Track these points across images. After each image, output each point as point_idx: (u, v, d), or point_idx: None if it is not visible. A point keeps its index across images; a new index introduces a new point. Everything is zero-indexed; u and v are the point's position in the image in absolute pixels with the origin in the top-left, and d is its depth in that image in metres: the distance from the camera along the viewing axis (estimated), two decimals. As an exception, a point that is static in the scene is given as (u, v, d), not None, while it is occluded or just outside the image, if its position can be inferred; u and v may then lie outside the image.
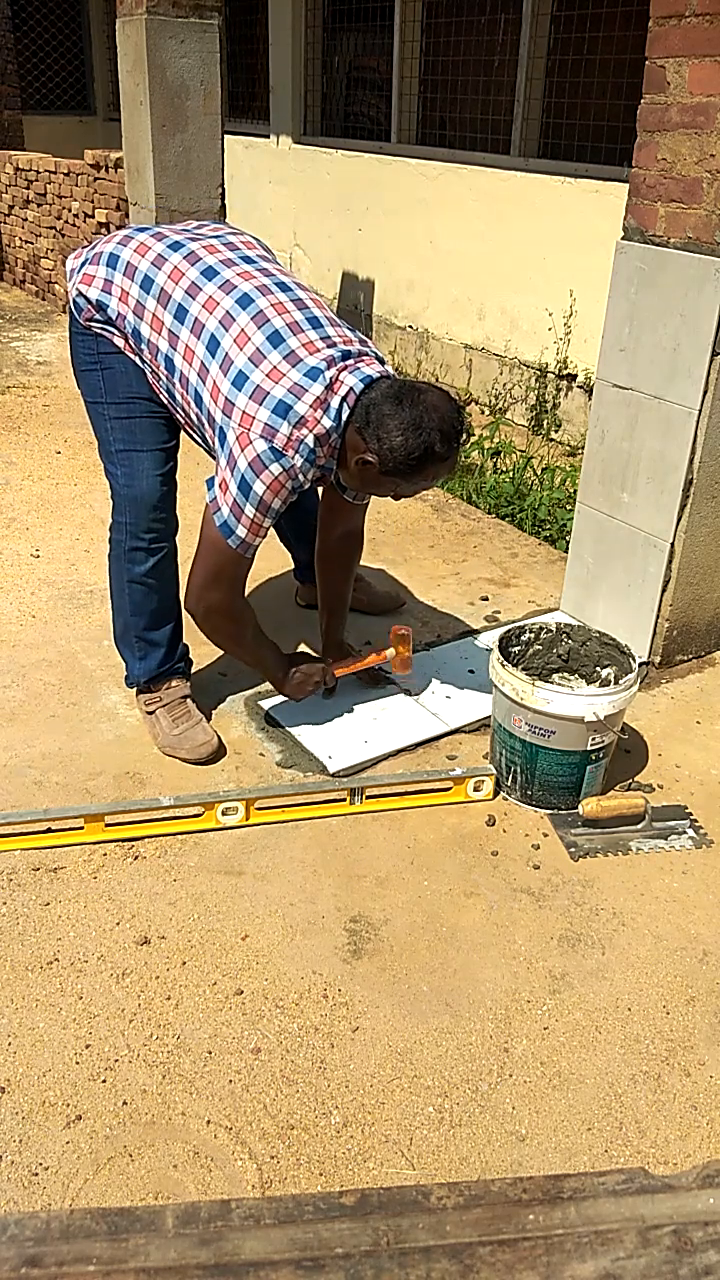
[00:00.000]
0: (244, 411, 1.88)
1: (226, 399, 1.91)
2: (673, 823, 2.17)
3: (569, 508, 3.59)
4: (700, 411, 2.38)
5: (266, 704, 2.49)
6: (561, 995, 1.75)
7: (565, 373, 4.58)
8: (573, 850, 2.09)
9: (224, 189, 4.73)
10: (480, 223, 4.97)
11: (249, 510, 1.93)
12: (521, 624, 2.35)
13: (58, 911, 1.88)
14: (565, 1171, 1.45)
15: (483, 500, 3.83)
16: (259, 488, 1.90)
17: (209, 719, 2.40)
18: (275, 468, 1.89)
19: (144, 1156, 1.46)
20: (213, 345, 1.94)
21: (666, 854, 2.09)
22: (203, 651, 2.53)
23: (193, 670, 2.48)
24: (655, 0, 2.27)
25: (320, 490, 2.36)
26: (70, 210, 6.03)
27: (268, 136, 6.65)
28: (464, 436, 1.96)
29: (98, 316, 2.07)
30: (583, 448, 3.16)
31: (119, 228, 5.35)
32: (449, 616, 2.97)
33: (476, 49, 5.20)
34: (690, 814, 2.20)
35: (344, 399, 1.91)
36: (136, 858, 2.01)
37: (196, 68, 4.40)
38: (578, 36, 4.59)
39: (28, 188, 6.66)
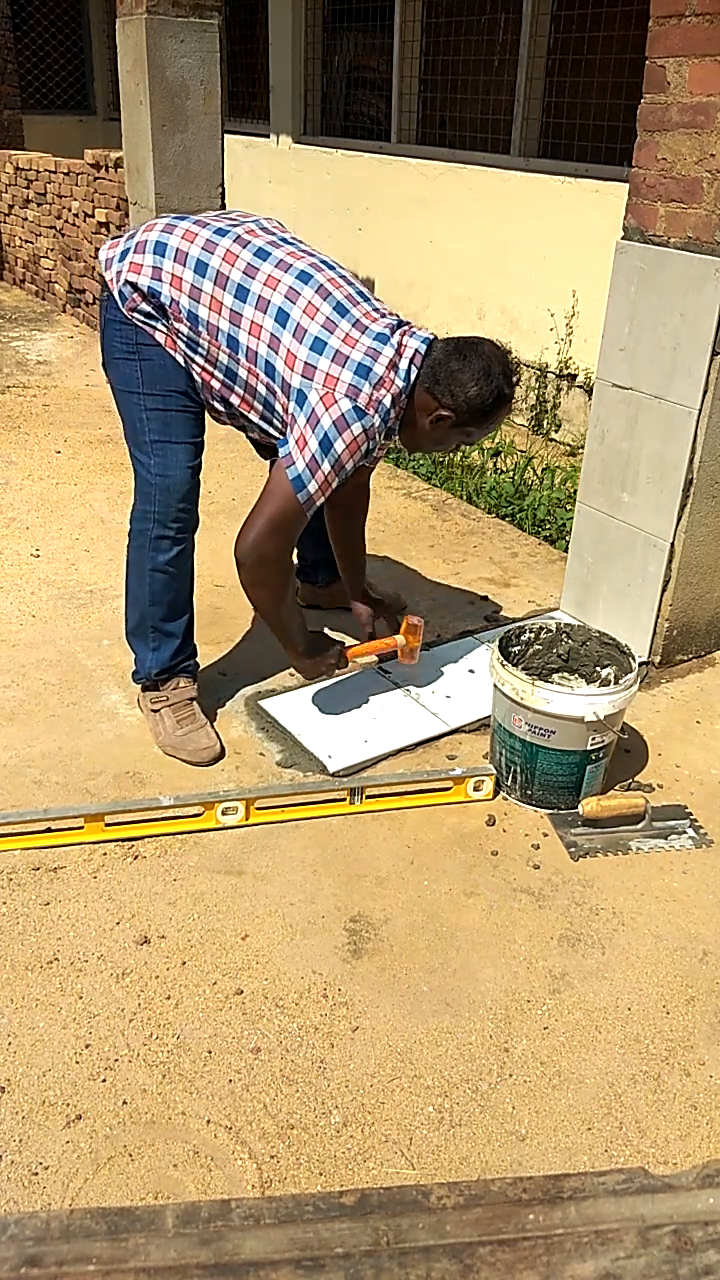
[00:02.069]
0: (327, 373, 1.99)
1: (306, 363, 2.00)
2: (673, 822, 2.17)
3: (569, 507, 3.59)
4: (700, 411, 2.38)
5: (266, 704, 2.49)
6: (561, 995, 1.75)
7: (565, 372, 4.58)
8: (573, 850, 2.09)
9: (224, 188, 4.73)
10: (480, 222, 4.97)
11: (325, 466, 2.01)
12: (521, 624, 2.35)
13: (58, 911, 1.88)
14: (565, 1171, 1.45)
15: (483, 500, 3.83)
16: (339, 445, 1.99)
17: (212, 719, 2.39)
18: (356, 427, 1.99)
19: (144, 1156, 1.46)
20: (281, 317, 2.02)
21: (666, 854, 2.09)
22: (203, 652, 2.53)
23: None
24: (655, 0, 2.27)
25: None
26: (70, 210, 6.03)
27: (268, 136, 6.65)
28: (517, 377, 2.11)
29: (142, 306, 2.09)
30: (583, 447, 3.16)
31: (119, 227, 5.37)
32: (449, 616, 2.97)
33: (476, 49, 5.20)
34: (690, 814, 2.20)
35: (411, 360, 2.04)
36: (136, 857, 2.01)
37: (196, 67, 4.40)
38: (578, 36, 4.59)
39: (28, 187, 6.66)
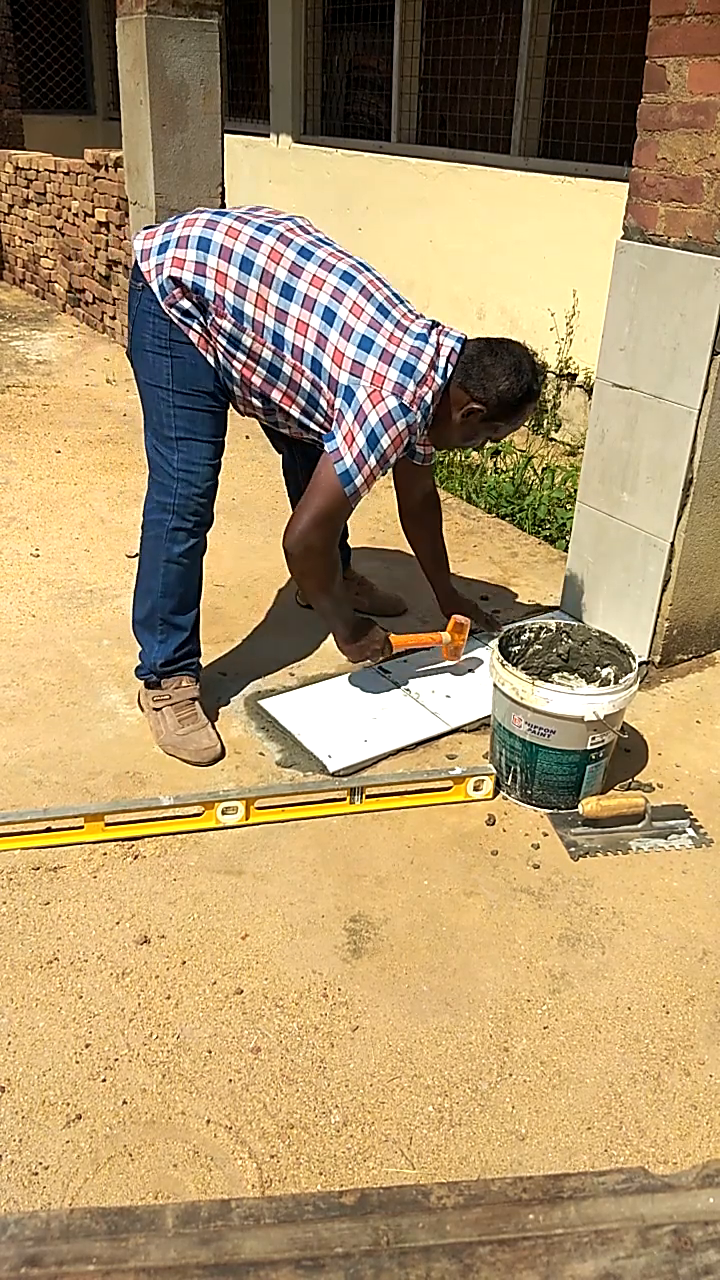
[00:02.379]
0: (375, 371, 2.07)
1: (354, 361, 2.07)
2: (672, 822, 2.17)
3: (569, 507, 3.59)
4: (700, 411, 2.38)
5: (266, 703, 2.49)
6: (561, 995, 1.75)
7: (566, 372, 4.58)
8: (572, 850, 2.09)
9: (224, 188, 4.73)
10: (480, 222, 4.97)
11: (371, 461, 2.09)
12: (521, 624, 2.35)
13: (57, 911, 1.88)
14: (565, 1171, 1.45)
15: (483, 500, 3.83)
16: (385, 441, 2.08)
17: (213, 719, 2.39)
18: (401, 423, 2.08)
19: (144, 1156, 1.46)
20: (329, 316, 2.08)
21: (666, 853, 2.09)
22: (203, 651, 2.53)
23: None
24: (655, 0, 2.27)
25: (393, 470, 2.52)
26: (70, 209, 6.03)
27: (268, 135, 6.64)
28: (544, 376, 2.19)
29: (181, 303, 2.11)
30: (583, 447, 3.16)
31: (119, 227, 5.37)
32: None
33: (476, 48, 5.20)
34: (690, 813, 2.20)
35: (447, 359, 2.13)
36: (136, 857, 2.01)
37: (196, 67, 4.40)
38: (578, 36, 4.59)
39: (27, 187, 6.66)
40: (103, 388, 5.06)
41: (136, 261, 2.17)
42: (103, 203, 5.54)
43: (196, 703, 2.36)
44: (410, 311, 2.18)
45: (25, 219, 6.85)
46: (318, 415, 2.19)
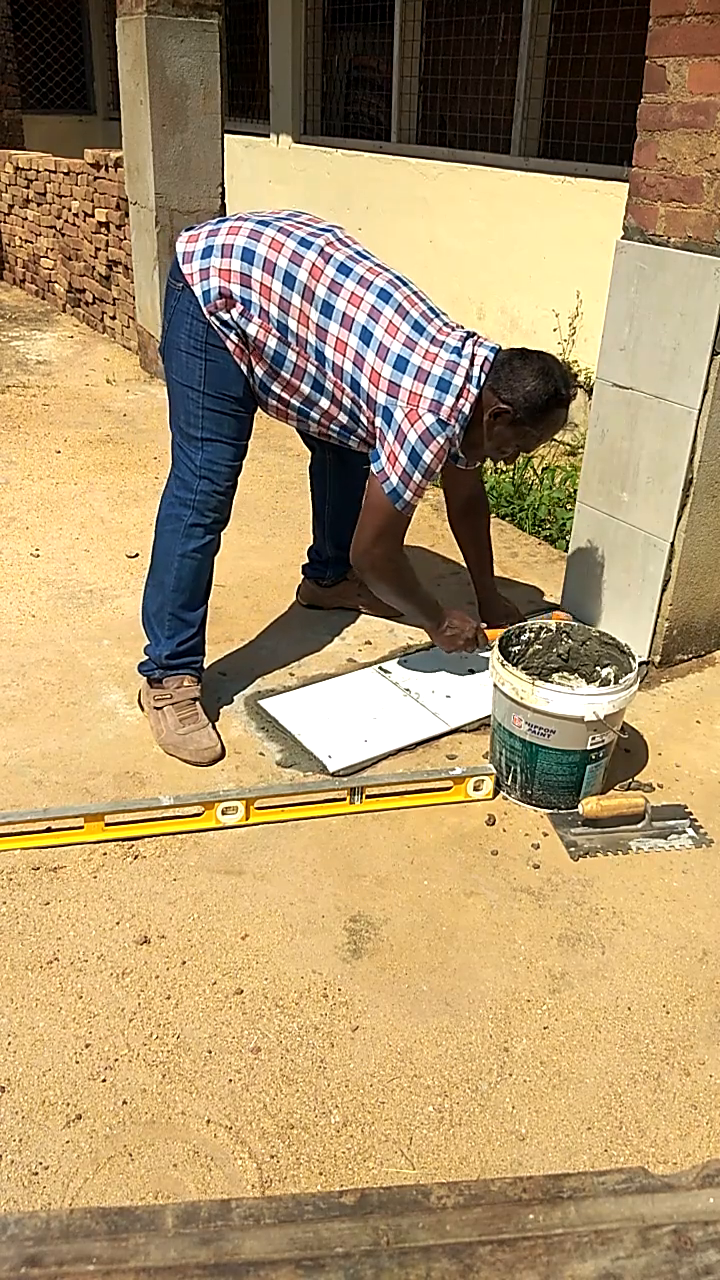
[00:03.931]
0: (411, 391, 2.11)
1: (390, 381, 2.12)
2: (672, 822, 2.17)
3: (569, 507, 3.58)
4: (700, 411, 2.37)
5: (266, 703, 2.49)
6: (561, 995, 1.75)
7: (565, 372, 4.58)
8: (572, 850, 2.09)
9: (224, 188, 4.73)
10: (480, 222, 4.97)
11: (417, 476, 2.16)
12: (521, 624, 2.35)
13: (57, 911, 1.88)
14: (565, 1171, 1.45)
15: (483, 500, 3.83)
16: (428, 457, 2.14)
17: (213, 719, 2.39)
18: (441, 438, 2.14)
19: (144, 1156, 1.46)
20: (365, 336, 2.13)
21: (666, 853, 2.09)
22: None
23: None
24: (655, 0, 2.27)
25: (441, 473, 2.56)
26: (70, 209, 6.03)
27: (268, 136, 6.64)
28: (574, 388, 2.22)
29: (221, 315, 2.13)
30: (583, 447, 3.16)
31: (119, 227, 5.37)
32: (449, 616, 2.97)
33: (476, 48, 5.20)
34: (690, 813, 2.20)
35: (480, 367, 2.16)
36: (136, 857, 2.01)
37: (196, 67, 4.40)
38: (578, 36, 4.58)
39: (27, 187, 6.66)
40: (103, 388, 5.05)
41: (177, 262, 2.19)
42: (103, 203, 5.54)
43: (197, 703, 2.36)
44: (447, 324, 2.21)
45: (25, 219, 6.85)
46: (359, 430, 2.26)
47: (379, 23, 5.79)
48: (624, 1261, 0.60)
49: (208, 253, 2.14)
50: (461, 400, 2.14)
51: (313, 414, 2.27)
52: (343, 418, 2.25)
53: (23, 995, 1.70)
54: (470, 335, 2.21)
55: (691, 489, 2.47)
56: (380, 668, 2.66)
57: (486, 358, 2.17)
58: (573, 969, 1.80)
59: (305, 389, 2.22)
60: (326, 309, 2.13)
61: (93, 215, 5.71)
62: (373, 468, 2.20)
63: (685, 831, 2.15)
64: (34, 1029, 1.64)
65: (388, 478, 2.17)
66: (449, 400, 2.12)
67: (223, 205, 4.71)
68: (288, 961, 1.79)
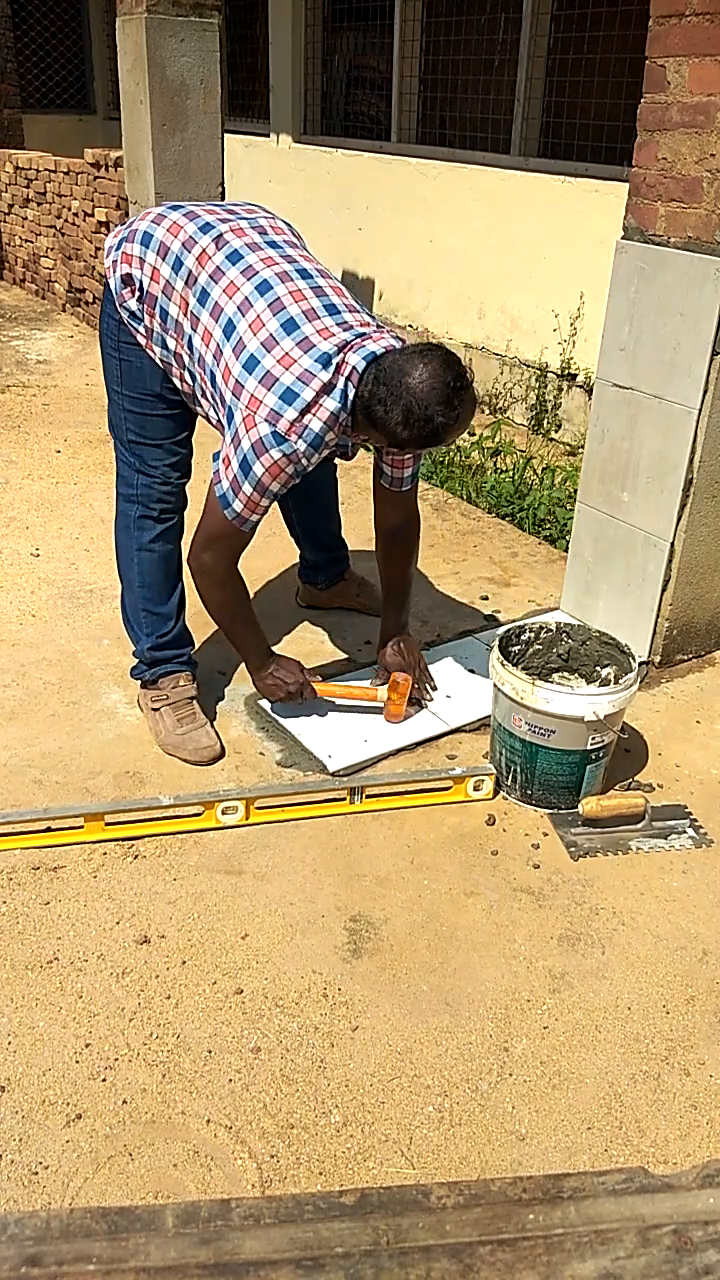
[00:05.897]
0: (252, 395, 1.92)
1: (237, 381, 1.94)
2: (672, 822, 2.17)
3: (569, 507, 3.58)
4: (700, 411, 2.37)
5: (266, 703, 2.48)
6: (561, 994, 1.75)
7: (566, 372, 4.58)
8: (572, 850, 2.09)
9: (224, 188, 4.73)
10: (480, 222, 4.97)
11: (246, 488, 1.97)
12: (521, 623, 2.35)
13: (57, 911, 1.88)
14: (565, 1171, 1.45)
15: (483, 500, 3.83)
16: (258, 469, 1.94)
17: (212, 718, 2.39)
18: (276, 452, 1.92)
19: (144, 1155, 1.46)
20: (229, 329, 1.97)
21: (666, 853, 2.09)
22: (202, 650, 2.53)
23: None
24: (655, 0, 2.27)
25: (373, 484, 2.35)
26: (70, 209, 6.03)
27: (268, 135, 6.64)
28: (467, 388, 1.91)
29: (129, 303, 2.08)
30: (583, 447, 3.16)
31: (119, 226, 5.37)
32: (449, 616, 2.97)
33: (476, 48, 5.20)
34: (690, 813, 2.20)
35: (348, 379, 1.93)
36: (136, 857, 2.01)
37: (196, 66, 4.40)
38: (578, 36, 4.58)
39: (27, 186, 6.66)
40: (102, 388, 5.05)
41: (106, 260, 2.15)
42: (103, 202, 5.54)
43: (194, 702, 2.36)
44: (334, 325, 1.96)
45: (25, 219, 6.85)
46: (229, 431, 2.04)
47: (379, 22, 5.79)
48: (624, 1261, 0.60)
49: (120, 243, 2.10)
50: (309, 416, 1.90)
51: (203, 406, 2.12)
52: (214, 415, 2.09)
53: (23, 995, 1.70)
54: (359, 336, 1.95)
55: (691, 489, 2.47)
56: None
57: (355, 368, 1.91)
58: (573, 969, 1.80)
59: (187, 380, 2.10)
60: (203, 297, 1.99)
61: (93, 215, 5.72)
62: (212, 466, 2.03)
63: (685, 831, 2.15)
64: (34, 1028, 1.64)
65: (220, 481, 1.99)
66: (290, 413, 1.89)
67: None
68: (288, 961, 1.79)
